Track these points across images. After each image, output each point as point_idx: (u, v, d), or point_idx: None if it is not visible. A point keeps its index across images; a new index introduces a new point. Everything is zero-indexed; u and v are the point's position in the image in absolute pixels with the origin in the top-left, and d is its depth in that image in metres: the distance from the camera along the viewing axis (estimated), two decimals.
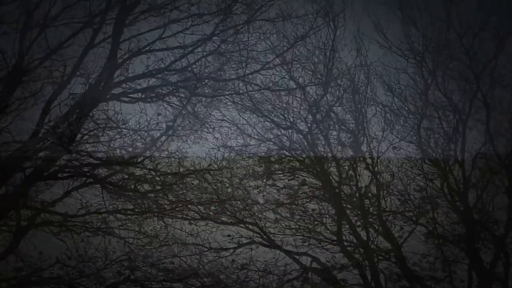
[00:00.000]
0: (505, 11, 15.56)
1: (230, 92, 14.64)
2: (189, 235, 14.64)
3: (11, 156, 13.32)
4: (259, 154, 15.18)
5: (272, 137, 15.23)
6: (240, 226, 15.06)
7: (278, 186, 15.31)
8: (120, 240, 14.16)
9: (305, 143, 15.24)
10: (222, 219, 14.96)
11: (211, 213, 14.85)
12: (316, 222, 15.23)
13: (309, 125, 15.25)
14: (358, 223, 15.29)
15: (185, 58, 14.03)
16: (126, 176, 14.16)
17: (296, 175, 15.37)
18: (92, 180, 13.97)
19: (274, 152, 15.28)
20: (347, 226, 15.22)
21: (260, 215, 15.07)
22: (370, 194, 15.31)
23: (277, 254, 15.02)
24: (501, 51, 15.45)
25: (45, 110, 13.49)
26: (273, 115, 15.23)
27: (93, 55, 13.63)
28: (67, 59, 13.53)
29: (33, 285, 13.95)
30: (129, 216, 14.34)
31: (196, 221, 14.77)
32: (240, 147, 15.03)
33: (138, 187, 14.26)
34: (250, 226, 15.04)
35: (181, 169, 14.51)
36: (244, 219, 14.99)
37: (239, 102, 14.94)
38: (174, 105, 14.23)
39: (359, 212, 15.24)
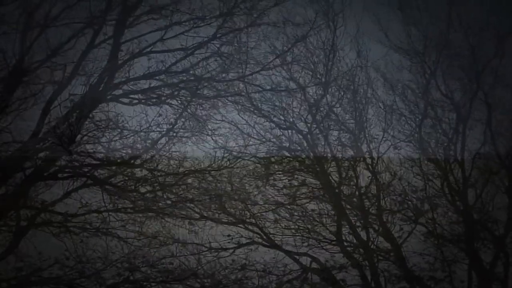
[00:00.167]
0: (505, 11, 15.55)
1: (230, 93, 14.62)
2: (189, 232, 14.64)
3: (11, 156, 13.31)
4: (259, 154, 15.17)
5: (272, 137, 15.22)
6: (239, 226, 15.05)
7: (278, 187, 15.30)
8: (119, 241, 14.15)
9: (305, 144, 15.24)
10: (222, 219, 14.99)
11: (210, 212, 14.85)
12: (315, 223, 15.22)
13: (309, 125, 15.24)
14: (358, 223, 15.29)
15: (186, 59, 14.05)
16: (127, 178, 14.15)
17: (296, 176, 15.36)
18: (92, 181, 13.96)
19: (274, 152, 15.26)
20: (347, 226, 15.22)
21: (259, 215, 15.07)
22: (370, 194, 15.31)
23: (277, 254, 15.02)
24: (502, 51, 15.46)
25: (45, 111, 13.50)
26: (272, 115, 15.22)
27: (94, 56, 13.66)
28: (68, 60, 13.53)
29: (33, 285, 13.94)
30: (129, 215, 14.36)
31: (196, 221, 14.78)
32: (240, 147, 15.02)
33: (139, 186, 14.27)
34: (250, 227, 15.04)
35: (181, 169, 14.52)
36: (245, 219, 15.00)
37: (240, 102, 14.93)
38: (175, 106, 14.26)
39: (359, 212, 15.24)
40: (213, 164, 14.68)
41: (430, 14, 15.66)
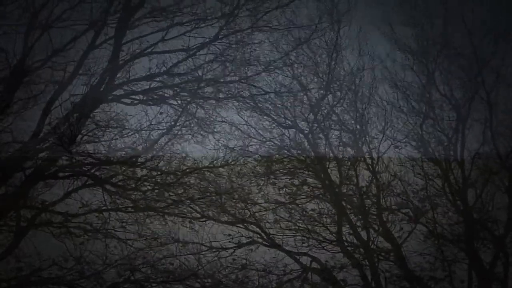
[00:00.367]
0: (505, 11, 15.54)
1: (233, 94, 14.61)
2: (190, 230, 14.63)
3: (12, 157, 13.28)
4: (259, 153, 15.16)
5: (272, 136, 15.21)
6: (239, 227, 15.04)
7: (278, 185, 15.29)
8: (119, 242, 14.14)
9: (306, 143, 15.22)
10: (222, 218, 14.98)
11: (210, 213, 14.85)
12: (316, 223, 15.22)
13: (310, 124, 15.23)
14: (358, 223, 15.29)
15: (188, 60, 14.02)
16: (126, 177, 14.13)
17: (297, 175, 15.35)
18: (92, 181, 13.93)
19: (274, 151, 15.25)
20: (347, 226, 15.22)
21: (259, 216, 15.06)
22: (371, 194, 15.31)
23: (277, 254, 15.02)
24: (503, 50, 15.47)
25: (45, 111, 13.49)
26: (273, 114, 15.21)
27: (95, 56, 13.64)
28: (69, 60, 13.49)
29: (32, 285, 13.93)
30: (129, 214, 14.34)
31: (196, 220, 14.77)
32: (241, 147, 15.00)
33: (140, 184, 14.25)
34: (250, 227, 15.03)
35: (182, 167, 14.52)
36: (245, 218, 15.00)
37: (241, 101, 14.90)
38: (175, 107, 14.23)
39: (360, 211, 15.24)
40: (215, 162, 14.64)
41: (430, 14, 15.65)
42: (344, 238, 15.23)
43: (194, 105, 14.28)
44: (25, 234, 13.90)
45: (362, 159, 15.26)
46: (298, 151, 15.26)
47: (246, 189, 14.96)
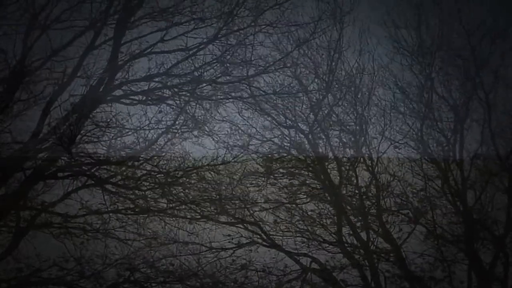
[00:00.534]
0: (505, 11, 15.56)
1: (233, 94, 14.63)
2: (189, 234, 14.64)
3: (12, 157, 13.29)
4: (259, 153, 15.17)
5: (273, 136, 15.23)
6: (239, 227, 15.04)
7: (279, 185, 15.30)
8: (119, 242, 14.14)
9: (306, 143, 15.24)
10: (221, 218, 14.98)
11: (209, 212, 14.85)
12: (315, 223, 15.22)
13: (310, 124, 15.24)
14: (358, 224, 15.30)
15: (187, 60, 14.03)
16: (126, 178, 14.15)
17: (297, 175, 15.35)
18: (93, 181, 13.95)
19: (274, 151, 15.26)
20: (347, 227, 15.22)
21: (259, 216, 15.08)
22: (370, 194, 15.31)
23: (277, 254, 15.03)
24: (502, 51, 15.49)
25: (45, 111, 13.48)
26: (274, 113, 15.23)
27: (94, 56, 13.66)
28: (68, 61, 13.51)
29: (32, 285, 13.94)
30: (129, 216, 14.34)
31: (196, 221, 14.77)
32: (241, 147, 15.01)
33: (140, 183, 14.27)
34: (250, 227, 15.04)
35: (182, 166, 14.53)
36: (245, 218, 15.00)
37: (241, 101, 14.92)
38: (174, 107, 14.25)
39: (359, 212, 15.24)
40: (215, 161, 14.65)
41: (430, 14, 15.67)
42: (344, 239, 15.24)
43: (193, 104, 14.30)
44: (25, 234, 13.90)
45: (362, 159, 15.28)
46: (297, 152, 15.30)
47: (245, 189, 14.97)
